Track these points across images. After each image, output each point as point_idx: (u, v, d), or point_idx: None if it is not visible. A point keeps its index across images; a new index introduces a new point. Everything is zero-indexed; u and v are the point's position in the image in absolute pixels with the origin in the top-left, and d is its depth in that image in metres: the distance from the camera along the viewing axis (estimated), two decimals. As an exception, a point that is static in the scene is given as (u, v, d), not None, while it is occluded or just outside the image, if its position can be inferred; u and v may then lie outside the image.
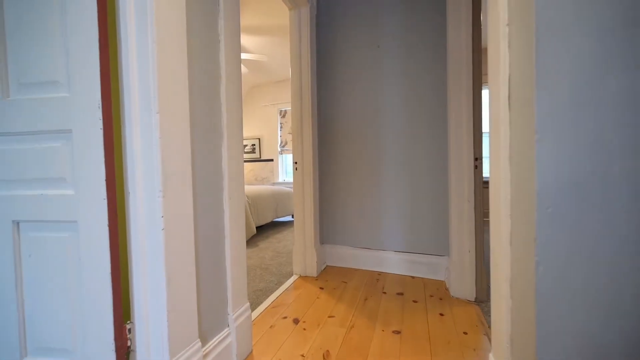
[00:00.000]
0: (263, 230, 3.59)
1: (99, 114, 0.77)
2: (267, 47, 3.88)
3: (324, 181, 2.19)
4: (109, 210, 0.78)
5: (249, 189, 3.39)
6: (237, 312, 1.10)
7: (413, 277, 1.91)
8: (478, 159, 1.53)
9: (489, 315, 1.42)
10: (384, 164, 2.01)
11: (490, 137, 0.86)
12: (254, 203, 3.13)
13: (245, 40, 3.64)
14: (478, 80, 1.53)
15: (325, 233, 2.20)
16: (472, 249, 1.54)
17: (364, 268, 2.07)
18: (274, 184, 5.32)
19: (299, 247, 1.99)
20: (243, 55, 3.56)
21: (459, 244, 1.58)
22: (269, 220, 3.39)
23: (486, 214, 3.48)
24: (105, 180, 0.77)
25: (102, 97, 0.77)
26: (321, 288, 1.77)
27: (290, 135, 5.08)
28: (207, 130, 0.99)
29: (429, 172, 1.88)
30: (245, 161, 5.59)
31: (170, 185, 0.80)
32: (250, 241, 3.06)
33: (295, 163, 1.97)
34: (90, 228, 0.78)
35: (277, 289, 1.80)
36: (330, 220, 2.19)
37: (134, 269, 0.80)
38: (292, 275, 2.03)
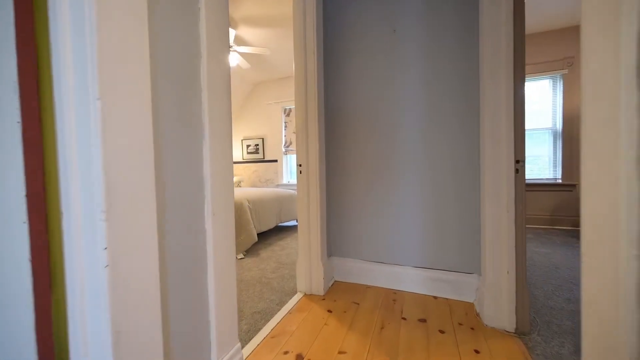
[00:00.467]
0: (265, 236, 3.36)
1: (15, 100, 0.54)
2: (271, 41, 3.65)
3: (332, 185, 1.95)
4: (32, 240, 0.54)
5: (250, 192, 3.17)
6: (224, 358, 0.87)
7: (436, 298, 1.65)
8: (520, 161, 1.27)
9: (536, 352, 1.16)
10: (401, 165, 1.75)
11: (583, 130, 0.60)
12: (255, 208, 2.90)
13: (246, 32, 3.41)
14: (520, 69, 1.27)
15: (334, 244, 1.96)
16: (511, 269, 1.28)
17: (377, 285, 1.82)
18: (278, 185, 5.09)
19: (304, 261, 1.75)
20: (244, 49, 3.33)
21: (495, 263, 1.32)
22: (272, 226, 3.15)
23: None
24: (26, 196, 0.54)
25: (20, 75, 0.53)
26: (329, 311, 1.53)
27: (295, 135, 4.85)
28: (180, 124, 0.75)
29: (455, 175, 1.62)
30: (248, 162, 5.38)
31: (118, 202, 0.56)
32: (252, 250, 2.83)
33: (299, 166, 1.72)
34: (3, 266, 0.55)
35: (278, 310, 1.56)
36: (338, 229, 1.94)
37: (71, 325, 0.56)
38: (295, 292, 1.79)
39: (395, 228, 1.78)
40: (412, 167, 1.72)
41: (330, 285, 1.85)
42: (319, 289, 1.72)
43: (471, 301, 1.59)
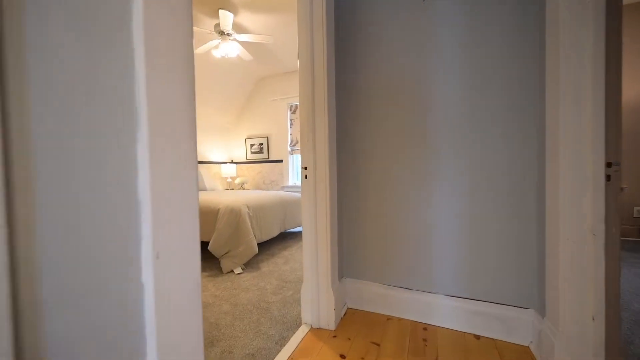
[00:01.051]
0: (267, 246, 3.04)
1: None
2: (275, 29, 3.32)
3: (345, 191, 1.60)
4: None
5: (250, 196, 2.85)
6: None
7: (478, 338, 1.29)
8: (612, 164, 0.90)
9: None
10: (433, 168, 1.40)
11: None
12: (256, 215, 2.57)
13: (247, 19, 3.09)
14: (614, 42, 0.90)
15: (347, 263, 1.62)
16: (599, 315, 0.91)
17: (401, 316, 1.47)
18: (283, 187, 4.77)
19: (310, 286, 1.42)
20: (245, 38, 3.01)
21: (574, 304, 0.96)
22: (275, 234, 2.83)
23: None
24: None
25: None
26: (342, 357, 1.19)
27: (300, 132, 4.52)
28: (86, 106, 0.43)
29: (506, 181, 1.26)
30: (252, 162, 5.08)
31: None
32: (252, 262, 2.51)
33: (305, 169, 1.39)
34: None
35: (277, 352, 1.23)
36: (353, 245, 1.60)
37: None
38: (300, 325, 1.45)
39: (424, 245, 1.43)
40: (448, 171, 1.37)
41: (342, 314, 1.51)
42: (329, 321, 1.39)
43: (526, 344, 1.23)
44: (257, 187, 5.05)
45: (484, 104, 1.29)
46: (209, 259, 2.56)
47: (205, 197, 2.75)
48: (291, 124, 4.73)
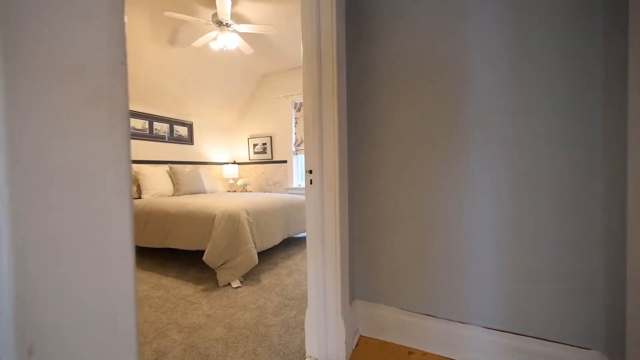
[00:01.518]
0: (269, 254, 2.81)
1: None
2: (278, 21, 3.09)
3: (355, 195, 1.36)
4: None
5: (250, 199, 2.62)
6: None
7: (526, 383, 1.04)
8: None
9: None
10: (469, 167, 1.14)
11: None
12: (256, 221, 2.34)
13: (247, 8, 2.87)
14: None
15: (359, 282, 1.37)
16: None
17: (427, 350, 1.22)
18: (287, 189, 4.54)
19: (316, 313, 1.18)
20: (244, 28, 2.79)
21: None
22: (277, 241, 2.60)
23: None
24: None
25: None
26: (357, 410, 0.94)
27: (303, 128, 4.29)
28: None
29: (563, 189, 1.00)
30: (255, 163, 4.86)
31: None
32: (251, 274, 2.28)
33: (310, 172, 1.15)
34: None
35: (276, 399, 0.99)
36: (367, 261, 1.35)
37: None
38: (304, 358, 1.21)
39: (456, 263, 1.17)
40: (486, 174, 1.11)
41: (354, 345, 1.27)
42: (339, 356, 1.14)
43: (590, 394, 0.97)
44: (261, 189, 4.83)
45: (541, 87, 1.03)
46: (205, 270, 2.34)
47: (201, 202, 2.53)
48: (295, 123, 4.50)
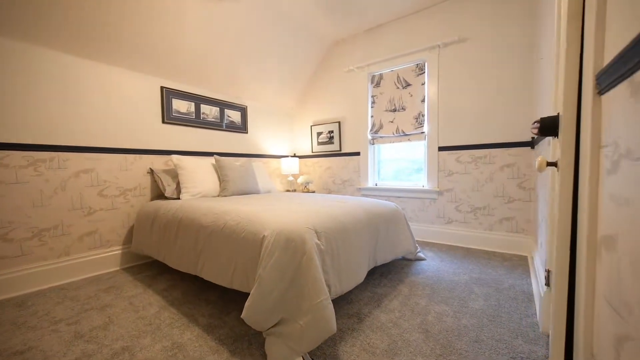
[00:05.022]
0: (345, 297, 1.78)
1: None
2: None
3: None
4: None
5: (320, 209, 1.66)
6: None
7: None
8: None
9: None
10: None
11: None
12: (331, 248, 1.37)
13: None
14: None
15: None
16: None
17: None
18: (359, 190, 3.52)
19: None
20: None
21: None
22: (361, 278, 1.59)
23: None
24: None
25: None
26: None
27: (389, 114, 3.12)
28: None
29: None
30: (319, 156, 3.95)
31: None
32: (322, 345, 1.30)
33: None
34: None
35: None
36: None
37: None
38: None
39: None
40: None
41: None
42: None
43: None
44: (325, 188, 3.91)
45: None
46: (239, 327, 1.43)
47: (246, 209, 1.65)
48: (373, 103, 3.43)
